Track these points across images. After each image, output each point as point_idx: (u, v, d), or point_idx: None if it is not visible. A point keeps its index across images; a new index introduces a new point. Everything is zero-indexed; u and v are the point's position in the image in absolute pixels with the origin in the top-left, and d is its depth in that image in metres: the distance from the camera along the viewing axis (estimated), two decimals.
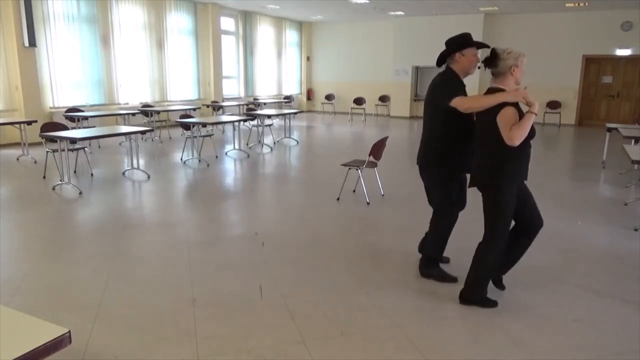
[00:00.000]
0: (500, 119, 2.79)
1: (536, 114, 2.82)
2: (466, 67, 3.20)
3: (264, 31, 15.71)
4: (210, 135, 9.05)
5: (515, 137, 2.74)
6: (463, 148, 3.24)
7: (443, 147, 3.27)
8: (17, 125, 8.06)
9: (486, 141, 2.96)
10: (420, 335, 2.72)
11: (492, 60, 2.93)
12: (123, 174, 6.92)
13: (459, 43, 3.20)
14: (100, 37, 10.53)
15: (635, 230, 4.61)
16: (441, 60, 3.29)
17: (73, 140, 6.05)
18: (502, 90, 2.90)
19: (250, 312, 2.96)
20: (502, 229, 2.98)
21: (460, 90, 3.14)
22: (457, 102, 2.99)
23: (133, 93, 11.47)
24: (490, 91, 2.94)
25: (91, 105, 10.38)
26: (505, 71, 2.91)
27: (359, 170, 5.55)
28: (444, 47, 3.26)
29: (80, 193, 5.79)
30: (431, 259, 3.51)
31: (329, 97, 17.17)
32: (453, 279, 3.41)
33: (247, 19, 14.85)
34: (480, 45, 3.26)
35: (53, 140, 6.13)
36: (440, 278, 3.44)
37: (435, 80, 3.29)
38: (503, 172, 2.90)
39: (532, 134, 2.84)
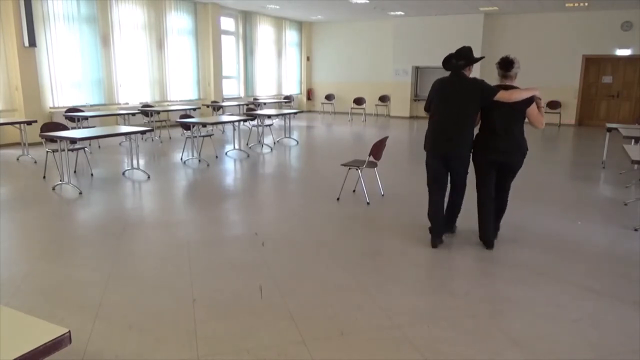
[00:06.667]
0: (533, 110, 3.72)
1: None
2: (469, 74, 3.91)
3: (264, 31, 15.71)
4: (210, 135, 9.05)
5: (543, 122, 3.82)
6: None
7: (472, 135, 3.92)
8: (17, 125, 8.06)
9: (516, 125, 3.76)
10: (420, 335, 2.72)
11: (508, 66, 3.77)
12: (123, 174, 6.92)
13: (474, 59, 3.88)
14: (100, 37, 10.52)
15: (635, 230, 4.61)
16: (453, 67, 3.84)
17: (73, 140, 6.05)
18: (516, 87, 3.72)
19: (250, 312, 2.96)
20: None
21: None
22: (503, 95, 3.67)
23: (133, 93, 11.46)
24: (506, 87, 3.73)
25: (91, 106, 10.38)
26: (513, 75, 3.79)
27: (359, 170, 5.55)
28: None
29: (80, 193, 5.79)
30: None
31: (329, 97, 17.17)
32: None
33: (247, 18, 14.85)
34: (476, 60, 3.92)
35: (53, 140, 6.12)
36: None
37: (466, 83, 3.83)
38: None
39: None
